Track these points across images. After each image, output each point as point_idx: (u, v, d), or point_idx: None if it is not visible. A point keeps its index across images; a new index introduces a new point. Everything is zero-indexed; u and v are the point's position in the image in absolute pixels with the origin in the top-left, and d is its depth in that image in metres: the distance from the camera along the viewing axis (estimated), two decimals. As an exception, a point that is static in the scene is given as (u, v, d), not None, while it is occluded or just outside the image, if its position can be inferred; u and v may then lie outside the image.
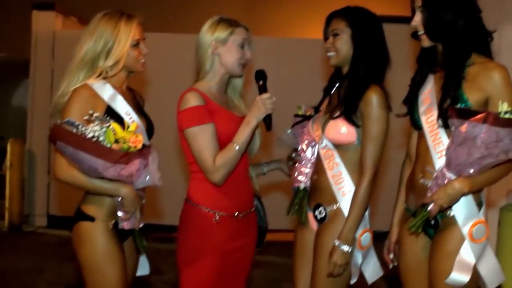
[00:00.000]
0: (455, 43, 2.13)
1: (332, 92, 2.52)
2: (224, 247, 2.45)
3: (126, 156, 2.09)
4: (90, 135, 2.06)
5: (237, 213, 2.47)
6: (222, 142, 2.39)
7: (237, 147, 2.35)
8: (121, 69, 2.36)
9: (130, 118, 2.34)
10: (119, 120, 2.26)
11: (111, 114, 2.28)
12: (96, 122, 2.10)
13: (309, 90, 5.22)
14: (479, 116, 1.94)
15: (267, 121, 2.39)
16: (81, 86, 2.28)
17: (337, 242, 2.31)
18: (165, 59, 5.98)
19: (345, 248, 2.30)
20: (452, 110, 2.04)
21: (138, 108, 2.50)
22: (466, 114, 1.99)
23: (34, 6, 6.50)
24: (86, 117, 2.14)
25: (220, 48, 2.45)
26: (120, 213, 2.26)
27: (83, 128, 2.08)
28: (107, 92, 2.31)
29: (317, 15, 8.04)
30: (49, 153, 6.42)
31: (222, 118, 2.42)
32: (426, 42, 2.20)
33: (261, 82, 2.43)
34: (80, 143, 2.06)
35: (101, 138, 2.07)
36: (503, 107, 1.93)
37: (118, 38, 2.30)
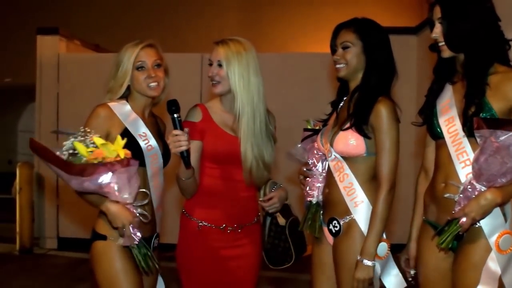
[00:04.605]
0: (477, 53, 2.11)
1: (340, 105, 2.50)
2: (207, 255, 2.53)
3: (82, 168, 2.09)
4: (64, 148, 2.13)
5: (224, 225, 2.54)
6: (211, 158, 2.49)
7: (178, 177, 2.43)
8: (133, 92, 2.45)
9: (146, 140, 2.39)
10: (134, 141, 2.35)
11: (128, 134, 2.33)
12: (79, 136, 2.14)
13: (314, 103, 5.26)
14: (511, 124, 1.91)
15: (184, 156, 2.28)
16: (101, 105, 2.39)
17: (359, 257, 2.26)
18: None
19: (368, 262, 2.25)
20: (479, 121, 1.99)
21: (159, 133, 2.54)
22: (496, 123, 1.96)
23: (39, 31, 6.58)
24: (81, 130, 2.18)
25: None
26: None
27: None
28: (126, 113, 2.40)
29: (318, 30, 8.13)
30: (57, 176, 6.42)
31: (212, 135, 2.49)
32: (446, 53, 2.17)
33: (175, 115, 2.28)
34: (45, 156, 2.16)
35: (71, 151, 2.13)
36: None
37: (121, 60, 2.42)
